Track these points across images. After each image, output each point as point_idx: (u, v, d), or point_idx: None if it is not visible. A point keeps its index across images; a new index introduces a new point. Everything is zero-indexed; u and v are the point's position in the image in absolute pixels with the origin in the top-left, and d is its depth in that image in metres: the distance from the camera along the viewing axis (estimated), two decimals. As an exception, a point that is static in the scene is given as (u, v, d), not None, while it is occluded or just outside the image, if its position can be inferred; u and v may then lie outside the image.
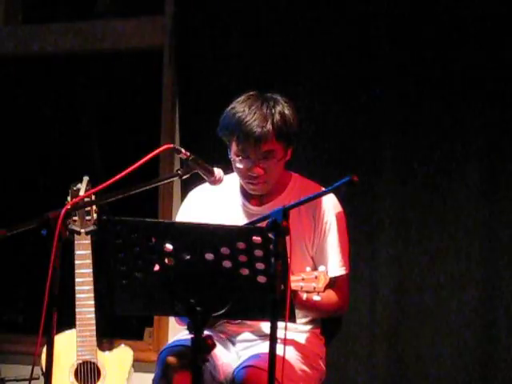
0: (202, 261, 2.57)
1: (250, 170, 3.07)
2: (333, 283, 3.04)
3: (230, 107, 3.10)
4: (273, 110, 3.03)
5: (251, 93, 3.12)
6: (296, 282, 2.83)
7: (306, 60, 4.12)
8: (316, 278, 2.84)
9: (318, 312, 3.16)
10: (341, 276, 3.16)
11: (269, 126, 3.01)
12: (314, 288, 2.84)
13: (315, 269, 2.91)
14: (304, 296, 2.87)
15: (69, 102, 4.85)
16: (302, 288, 2.85)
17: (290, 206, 2.54)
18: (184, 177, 2.78)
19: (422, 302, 3.91)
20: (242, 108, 3.04)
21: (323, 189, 3.15)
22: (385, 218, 3.97)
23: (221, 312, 2.63)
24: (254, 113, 3.02)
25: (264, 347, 2.84)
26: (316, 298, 2.87)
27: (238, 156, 3.07)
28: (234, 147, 3.08)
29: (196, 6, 4.32)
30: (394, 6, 3.98)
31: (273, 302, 2.47)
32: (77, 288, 3.74)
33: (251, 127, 3.00)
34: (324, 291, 2.86)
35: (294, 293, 2.81)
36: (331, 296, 3.11)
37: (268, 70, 4.16)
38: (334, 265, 3.14)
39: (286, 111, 3.06)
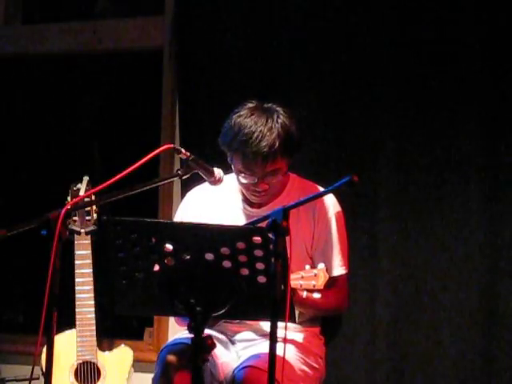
0: (202, 261, 2.58)
1: (256, 185, 3.07)
2: (332, 283, 3.04)
3: (232, 121, 3.04)
4: (278, 126, 3.00)
5: (252, 105, 3.08)
6: (295, 280, 2.83)
7: (306, 61, 4.11)
8: (315, 275, 2.84)
9: (317, 311, 3.16)
10: (340, 276, 3.17)
11: (276, 145, 2.99)
12: (314, 286, 2.84)
13: (314, 267, 2.91)
14: (304, 294, 2.87)
15: (69, 101, 4.85)
16: (301, 286, 2.85)
17: (290, 206, 2.54)
18: (184, 177, 2.78)
19: (422, 301, 3.90)
20: (247, 124, 3.00)
21: (321, 189, 3.15)
22: (385, 217, 3.96)
23: (221, 312, 2.64)
24: (260, 131, 2.98)
25: (264, 347, 2.84)
26: (316, 295, 2.87)
27: (241, 172, 3.06)
28: (237, 163, 3.06)
29: (196, 6, 4.32)
30: (394, 7, 3.98)
31: (273, 301, 2.48)
32: (77, 288, 3.73)
33: (259, 147, 2.97)
34: (324, 289, 2.86)
35: (294, 291, 2.81)
36: (331, 295, 3.09)
37: (268, 71, 4.16)
38: (334, 265, 3.14)
39: (290, 125, 3.04)
